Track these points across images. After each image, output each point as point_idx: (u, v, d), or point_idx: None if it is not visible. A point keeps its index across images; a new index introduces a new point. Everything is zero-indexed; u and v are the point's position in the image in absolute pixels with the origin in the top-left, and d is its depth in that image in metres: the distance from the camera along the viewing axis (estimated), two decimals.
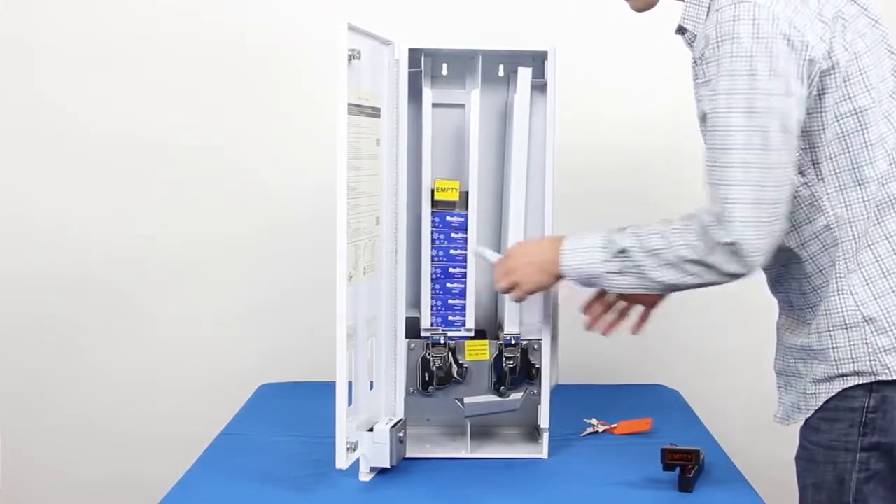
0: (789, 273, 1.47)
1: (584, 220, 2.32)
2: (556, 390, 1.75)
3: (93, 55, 2.33)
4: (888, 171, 1.37)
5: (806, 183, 1.39)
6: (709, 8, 1.41)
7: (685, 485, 1.55)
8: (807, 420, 1.47)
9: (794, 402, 1.48)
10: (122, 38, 2.33)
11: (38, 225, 2.39)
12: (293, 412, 1.95)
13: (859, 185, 1.37)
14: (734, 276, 1.37)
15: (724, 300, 2.40)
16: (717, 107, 1.32)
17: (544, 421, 1.71)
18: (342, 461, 1.50)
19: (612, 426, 1.84)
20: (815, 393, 1.44)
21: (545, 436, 1.72)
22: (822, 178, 1.38)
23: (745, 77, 1.29)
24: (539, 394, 1.71)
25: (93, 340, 2.42)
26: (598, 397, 2.04)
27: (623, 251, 1.46)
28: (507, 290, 1.61)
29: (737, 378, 2.42)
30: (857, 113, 1.35)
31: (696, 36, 1.43)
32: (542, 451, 1.72)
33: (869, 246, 1.38)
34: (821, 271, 1.41)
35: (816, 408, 1.43)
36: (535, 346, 1.70)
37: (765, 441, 2.08)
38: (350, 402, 1.55)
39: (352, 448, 1.54)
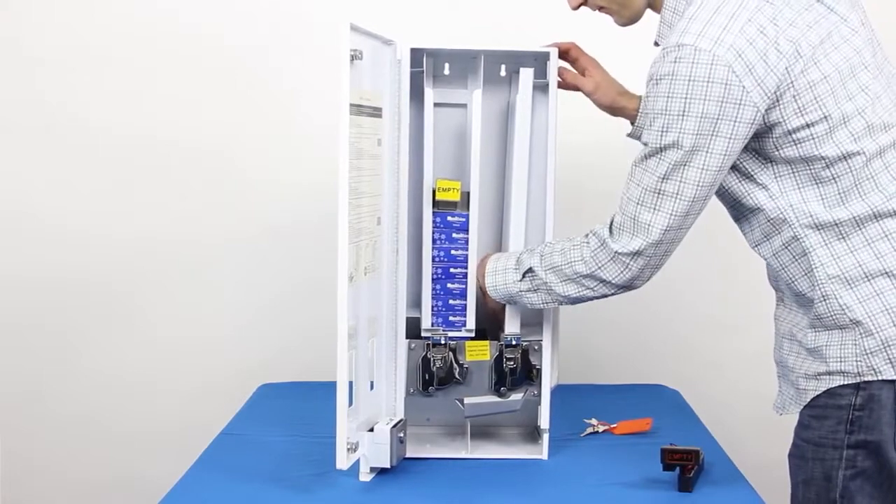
0: (777, 276, 1.51)
1: (584, 220, 2.33)
2: (556, 390, 1.75)
3: (93, 55, 2.34)
4: (862, 185, 1.38)
5: (770, 196, 1.42)
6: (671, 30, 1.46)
7: (685, 485, 1.55)
8: (799, 418, 1.48)
9: (790, 394, 1.50)
10: (122, 37, 2.33)
11: (38, 225, 2.39)
12: (293, 412, 1.95)
13: (821, 196, 1.39)
14: (625, 288, 1.52)
15: (725, 300, 2.41)
16: (650, 139, 1.40)
17: (544, 421, 1.71)
18: (342, 461, 1.50)
19: (612, 426, 1.84)
20: (805, 388, 1.45)
21: (545, 436, 1.72)
22: (784, 192, 1.41)
23: (677, 117, 1.35)
24: (539, 394, 1.71)
25: (93, 340, 2.42)
26: (598, 397, 2.04)
27: (529, 270, 1.56)
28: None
29: (737, 378, 2.43)
30: (813, 139, 1.37)
31: None
32: (542, 451, 1.72)
33: (851, 252, 1.39)
34: (799, 278, 1.43)
35: (805, 403, 1.45)
36: (536, 347, 1.70)
37: (765, 441, 2.08)
38: (350, 402, 1.55)
39: (352, 448, 1.54)
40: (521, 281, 1.58)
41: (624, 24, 1.60)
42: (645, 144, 1.42)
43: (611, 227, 1.49)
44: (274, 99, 2.34)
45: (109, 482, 2.45)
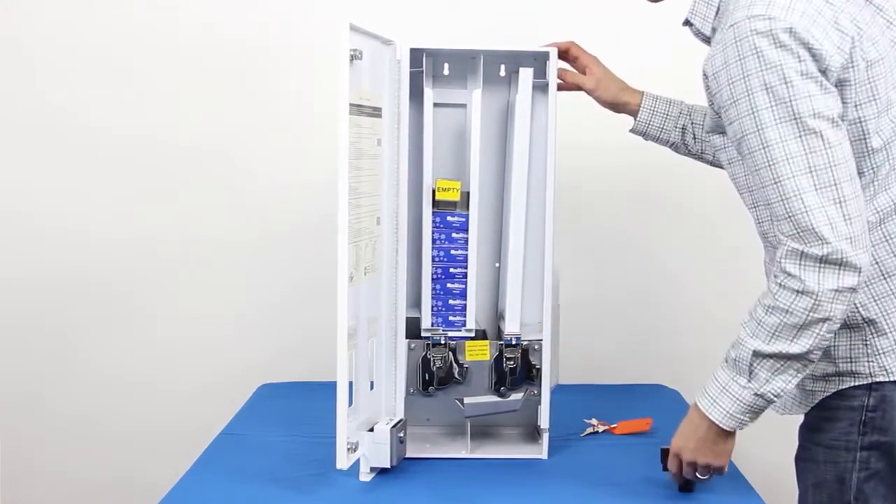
0: None
1: (585, 220, 2.35)
2: (556, 390, 1.75)
3: (92, 55, 2.33)
4: (889, 176, 1.37)
5: None
6: (718, 8, 1.40)
7: (686, 485, 1.55)
8: (806, 420, 1.47)
9: (793, 394, 1.48)
10: (122, 37, 2.33)
11: (38, 225, 2.39)
12: (293, 412, 1.95)
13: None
14: (852, 290, 1.29)
15: (725, 300, 2.40)
16: (763, 121, 1.29)
17: (544, 421, 1.71)
18: (342, 461, 1.50)
19: (612, 426, 1.84)
20: (812, 390, 1.44)
21: (545, 436, 1.72)
22: None
23: (781, 86, 1.27)
24: (539, 394, 1.71)
25: (93, 341, 2.42)
26: (598, 397, 2.04)
27: (752, 360, 1.35)
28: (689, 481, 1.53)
29: None
30: (860, 122, 1.33)
31: (704, 35, 1.44)
32: (542, 451, 1.72)
33: (870, 248, 1.37)
34: None
35: (813, 405, 1.44)
36: (536, 347, 1.70)
37: (765, 441, 2.07)
38: (350, 402, 1.55)
39: (352, 448, 1.54)
40: (748, 380, 1.36)
41: (654, 0, 1.56)
42: (739, 138, 1.32)
43: (787, 254, 1.30)
44: (273, 99, 2.34)
45: (109, 482, 2.45)
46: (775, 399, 1.37)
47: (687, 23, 1.48)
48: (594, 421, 1.86)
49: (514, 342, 1.70)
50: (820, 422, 1.43)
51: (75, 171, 2.37)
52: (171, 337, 2.43)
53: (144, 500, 1.77)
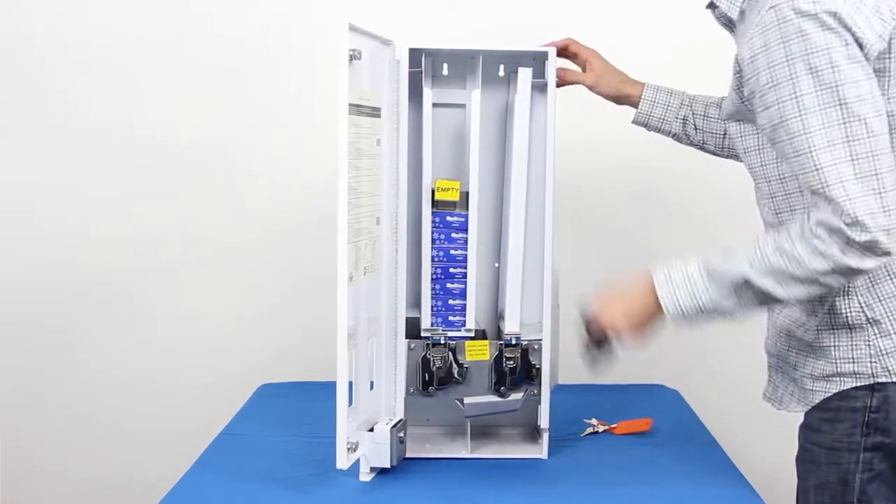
0: None
1: (584, 219, 2.34)
2: (556, 390, 1.75)
3: (92, 55, 2.33)
4: None
5: None
6: None
7: (594, 358, 1.49)
8: (807, 421, 1.46)
9: (791, 390, 1.48)
10: (122, 37, 2.33)
11: (38, 225, 2.39)
12: (293, 412, 1.95)
13: None
14: (865, 272, 1.29)
15: None
16: (806, 106, 1.26)
17: (544, 421, 1.71)
18: (343, 461, 1.50)
19: (612, 426, 1.84)
20: (812, 389, 1.44)
21: (545, 436, 1.72)
22: None
23: (828, 70, 1.24)
24: (539, 394, 1.71)
25: (93, 341, 2.42)
26: (598, 397, 2.04)
27: (745, 282, 1.33)
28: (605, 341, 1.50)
29: (737, 378, 2.42)
30: (891, 116, 1.31)
31: (729, 18, 1.42)
32: (542, 451, 1.72)
33: None
34: None
35: (814, 404, 1.43)
36: (536, 346, 1.70)
37: (765, 441, 2.08)
38: (350, 402, 1.55)
39: (352, 448, 1.54)
40: (725, 297, 1.35)
41: None
42: (779, 120, 1.29)
43: (834, 209, 1.26)
44: (273, 99, 2.34)
45: (109, 482, 2.45)
46: (724, 316, 1.36)
47: (711, 5, 1.45)
48: (594, 421, 1.86)
49: (513, 342, 1.70)
50: (821, 423, 1.43)
51: (75, 171, 2.37)
52: (171, 337, 2.43)
53: (144, 500, 1.77)
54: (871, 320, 1.37)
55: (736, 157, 1.73)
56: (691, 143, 1.76)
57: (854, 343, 1.38)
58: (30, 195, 2.38)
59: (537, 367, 1.71)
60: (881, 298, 1.37)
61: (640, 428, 1.84)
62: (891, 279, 1.37)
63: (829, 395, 1.41)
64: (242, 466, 1.67)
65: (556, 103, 1.67)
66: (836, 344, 1.40)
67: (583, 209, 2.33)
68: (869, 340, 1.37)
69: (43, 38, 2.34)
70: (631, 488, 1.58)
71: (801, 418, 1.49)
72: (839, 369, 1.40)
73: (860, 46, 1.26)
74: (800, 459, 1.49)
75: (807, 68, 1.25)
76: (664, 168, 2.28)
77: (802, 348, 1.45)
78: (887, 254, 1.26)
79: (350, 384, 1.54)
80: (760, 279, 1.31)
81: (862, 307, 1.37)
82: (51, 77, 2.35)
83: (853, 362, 1.38)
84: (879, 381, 1.37)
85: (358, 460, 1.59)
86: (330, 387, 1.50)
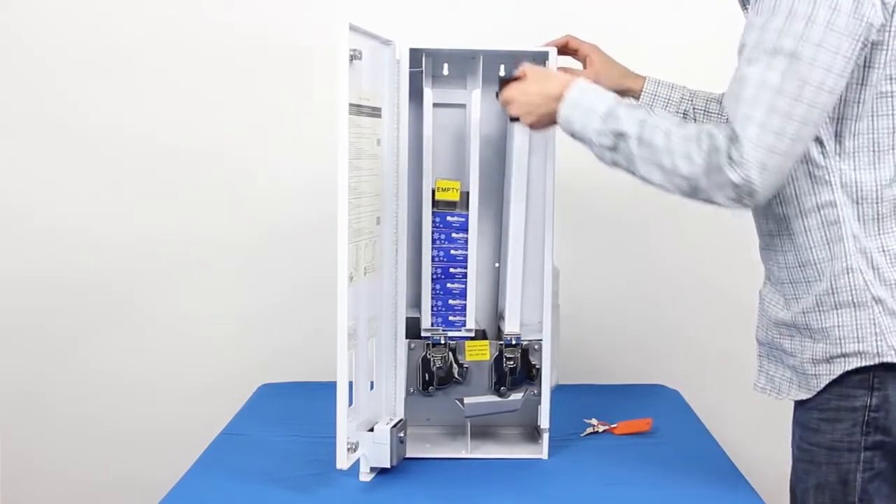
0: (775, 245, 1.45)
1: (584, 219, 2.35)
2: (556, 390, 1.75)
3: (92, 55, 2.33)
4: None
5: (822, 153, 1.36)
6: None
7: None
8: (803, 422, 1.45)
9: (788, 377, 1.47)
10: (122, 38, 2.33)
11: (38, 225, 2.39)
12: (293, 412, 1.95)
13: (874, 168, 1.35)
14: (714, 201, 1.33)
15: (725, 299, 2.41)
16: (765, 39, 1.27)
17: (544, 421, 1.71)
18: (343, 461, 1.50)
19: (612, 426, 1.84)
20: (815, 374, 1.42)
21: (545, 436, 1.72)
22: (839, 154, 1.36)
23: (802, 20, 1.25)
24: (539, 394, 1.71)
25: (93, 341, 2.42)
26: (598, 397, 2.04)
27: (621, 135, 1.39)
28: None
29: (737, 378, 2.42)
30: (891, 96, 1.32)
31: None
32: (542, 451, 1.72)
33: (880, 233, 1.37)
34: (818, 247, 1.39)
35: (819, 389, 1.41)
36: (536, 346, 1.70)
37: (765, 441, 2.08)
38: (350, 402, 1.55)
39: (352, 448, 1.54)
40: (603, 135, 1.41)
41: None
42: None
43: (731, 136, 1.30)
44: (273, 99, 2.34)
45: (109, 482, 2.45)
46: (601, 159, 1.44)
47: None
48: (594, 421, 1.86)
49: (513, 342, 1.70)
50: (820, 423, 1.42)
51: (76, 172, 2.36)
52: (171, 337, 2.43)
53: (144, 500, 1.78)
54: (876, 298, 1.36)
55: None
56: None
57: (859, 322, 1.37)
58: (30, 195, 2.38)
59: (537, 367, 1.71)
60: (885, 278, 1.37)
61: (640, 428, 1.84)
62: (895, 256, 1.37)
63: (835, 376, 1.39)
64: (242, 466, 1.67)
65: None
66: (840, 324, 1.38)
67: (583, 209, 2.34)
68: (874, 318, 1.36)
69: (43, 38, 2.34)
70: (631, 488, 1.58)
71: (803, 419, 1.48)
72: (843, 349, 1.38)
73: (863, 6, 1.25)
74: (797, 461, 1.48)
75: (788, 6, 1.26)
76: None
77: (797, 334, 1.44)
78: (748, 195, 1.28)
79: (350, 384, 1.54)
80: (637, 146, 1.37)
81: (867, 284, 1.36)
82: (51, 77, 2.35)
83: (858, 341, 1.37)
84: (884, 360, 1.36)
85: (358, 460, 1.59)
86: (330, 387, 1.50)
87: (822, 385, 1.41)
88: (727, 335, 2.44)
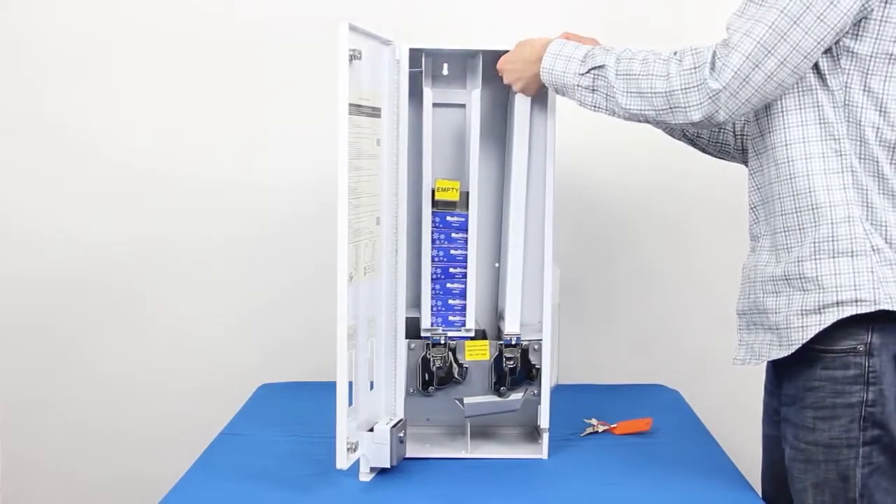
0: (773, 193, 1.45)
1: (584, 219, 2.35)
2: (556, 390, 1.75)
3: (92, 56, 2.33)
4: None
5: (833, 104, 1.39)
6: None
7: None
8: (798, 421, 1.44)
9: (768, 339, 1.45)
10: (121, 38, 2.33)
11: (38, 226, 2.39)
12: (293, 412, 1.95)
13: (882, 113, 1.37)
14: (694, 124, 1.39)
15: (725, 299, 2.40)
16: None
17: (544, 421, 1.71)
18: (342, 461, 1.50)
19: (612, 426, 1.84)
20: (801, 326, 1.40)
21: (545, 436, 1.72)
22: (846, 104, 1.38)
23: None
24: (539, 394, 1.71)
25: (93, 341, 2.42)
26: (598, 397, 2.04)
27: (600, 67, 1.45)
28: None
29: (737, 378, 2.42)
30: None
31: None
32: (542, 451, 1.72)
33: (881, 178, 1.38)
34: (819, 191, 1.39)
35: (804, 341, 1.40)
36: (535, 347, 1.70)
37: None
38: (350, 402, 1.55)
39: (352, 448, 1.54)
40: (583, 74, 1.47)
41: None
42: None
43: (714, 55, 1.36)
44: (273, 99, 2.34)
45: (109, 482, 2.45)
46: (580, 102, 1.50)
47: None
48: (594, 421, 1.86)
49: (513, 342, 1.70)
50: (816, 421, 1.42)
51: (76, 173, 2.36)
52: (171, 337, 2.43)
53: (144, 500, 1.77)
54: (875, 248, 1.37)
55: (727, 154, 1.74)
56: (684, 138, 1.76)
57: (856, 269, 1.37)
58: (30, 196, 2.38)
59: (537, 367, 1.71)
60: (882, 226, 1.37)
61: (640, 428, 1.84)
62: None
63: (824, 326, 1.38)
64: (242, 466, 1.67)
65: (556, 103, 1.67)
66: (837, 272, 1.37)
67: (583, 209, 2.34)
68: (872, 267, 1.36)
69: (42, 41, 2.33)
70: (631, 488, 1.58)
71: (796, 419, 1.48)
72: (839, 297, 1.37)
73: None
74: (794, 461, 1.47)
75: None
76: (664, 169, 2.29)
77: (785, 288, 1.42)
78: (716, 118, 1.36)
79: (350, 384, 1.54)
80: (615, 77, 1.43)
81: (866, 233, 1.37)
82: (51, 77, 2.35)
83: (855, 289, 1.37)
84: (881, 307, 1.36)
85: (358, 460, 1.59)
86: (330, 387, 1.50)
87: (808, 337, 1.39)
88: (727, 335, 2.43)
